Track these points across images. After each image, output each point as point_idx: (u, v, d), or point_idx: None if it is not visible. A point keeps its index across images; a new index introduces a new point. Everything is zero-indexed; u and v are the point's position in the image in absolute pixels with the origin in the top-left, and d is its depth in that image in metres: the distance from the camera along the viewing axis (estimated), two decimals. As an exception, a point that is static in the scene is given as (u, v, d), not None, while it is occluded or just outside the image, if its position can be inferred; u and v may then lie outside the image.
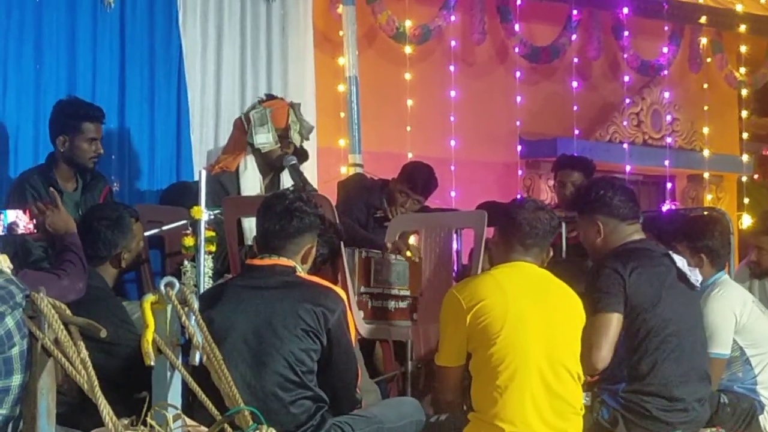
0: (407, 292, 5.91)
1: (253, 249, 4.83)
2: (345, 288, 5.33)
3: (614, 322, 5.09)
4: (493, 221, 5.72)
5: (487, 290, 4.76)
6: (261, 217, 4.65)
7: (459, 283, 5.20)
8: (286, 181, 6.49)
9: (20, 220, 4.74)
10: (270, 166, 6.55)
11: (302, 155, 6.67)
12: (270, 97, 6.90)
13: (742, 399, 5.76)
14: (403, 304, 5.89)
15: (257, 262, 4.61)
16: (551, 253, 5.05)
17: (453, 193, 9.19)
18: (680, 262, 5.42)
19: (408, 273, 5.92)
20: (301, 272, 4.60)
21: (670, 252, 5.48)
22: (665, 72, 11.18)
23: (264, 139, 6.50)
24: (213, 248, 5.48)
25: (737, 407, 5.71)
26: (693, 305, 5.45)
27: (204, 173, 5.54)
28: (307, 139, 6.79)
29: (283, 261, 4.56)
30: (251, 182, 6.47)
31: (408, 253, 6.02)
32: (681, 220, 6.42)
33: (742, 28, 11.58)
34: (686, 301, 5.36)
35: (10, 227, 4.70)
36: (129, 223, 5.17)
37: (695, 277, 5.44)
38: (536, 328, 4.72)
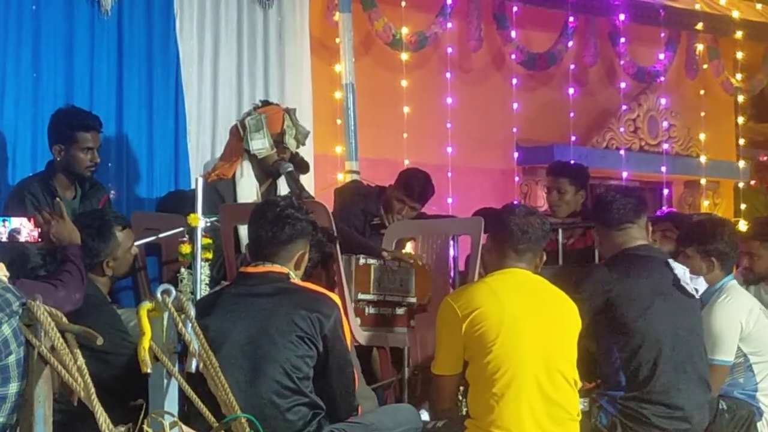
0: (413, 299, 5.90)
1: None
2: (341, 294, 5.33)
3: None
4: (489, 228, 5.73)
5: (482, 298, 4.76)
6: (253, 225, 4.65)
7: (454, 292, 5.21)
8: (283, 188, 6.48)
9: (24, 227, 4.73)
10: (266, 172, 6.53)
11: (303, 166, 6.60)
12: (265, 103, 6.88)
13: (741, 405, 5.75)
14: (400, 311, 5.88)
15: (251, 269, 4.61)
16: (545, 258, 5.05)
17: (450, 200, 9.17)
18: (680, 270, 5.42)
19: (414, 280, 5.92)
20: (295, 278, 4.60)
21: (670, 260, 5.49)
22: (662, 78, 11.18)
23: (260, 144, 6.48)
24: (210, 255, 5.46)
25: (736, 414, 5.70)
26: (690, 312, 5.44)
27: (200, 180, 5.53)
28: (303, 144, 6.76)
29: (277, 268, 4.56)
30: (248, 189, 6.45)
31: (418, 261, 6.00)
32: (687, 224, 6.40)
33: (739, 34, 11.58)
34: (683, 309, 5.37)
35: (12, 234, 4.70)
36: (112, 231, 5.06)
37: (695, 285, 5.44)
38: (532, 334, 4.73)
